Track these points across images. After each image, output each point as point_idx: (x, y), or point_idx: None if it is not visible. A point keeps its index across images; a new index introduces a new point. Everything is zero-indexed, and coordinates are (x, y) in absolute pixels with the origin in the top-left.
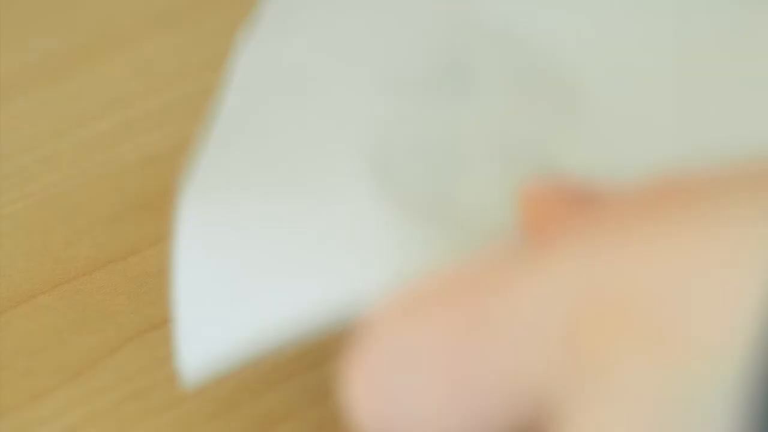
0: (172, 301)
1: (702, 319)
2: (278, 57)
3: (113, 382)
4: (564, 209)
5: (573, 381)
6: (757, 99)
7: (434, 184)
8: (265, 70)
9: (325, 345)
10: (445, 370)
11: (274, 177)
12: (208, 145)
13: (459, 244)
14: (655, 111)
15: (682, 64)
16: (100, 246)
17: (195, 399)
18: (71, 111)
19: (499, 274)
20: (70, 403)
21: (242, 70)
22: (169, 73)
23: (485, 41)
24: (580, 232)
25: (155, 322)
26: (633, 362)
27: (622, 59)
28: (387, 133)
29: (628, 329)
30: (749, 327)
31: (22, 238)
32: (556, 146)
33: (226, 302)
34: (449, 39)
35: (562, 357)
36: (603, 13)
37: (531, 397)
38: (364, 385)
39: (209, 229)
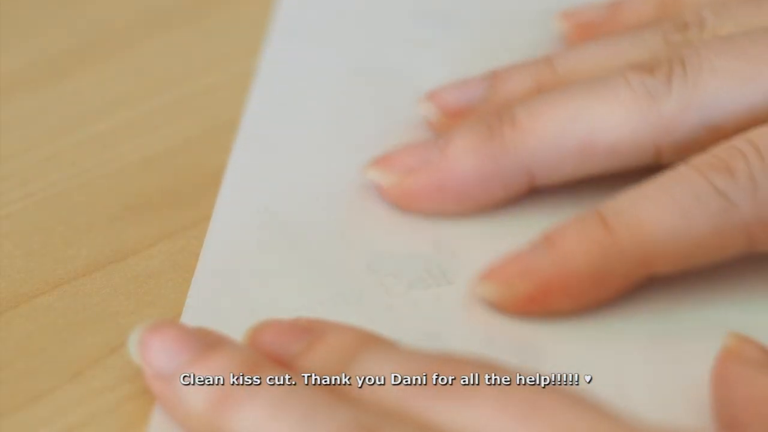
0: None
1: None
2: None
3: (113, 382)
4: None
5: None
6: None
7: None
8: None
9: None
10: None
11: None
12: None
13: None
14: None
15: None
16: (100, 246)
17: None
18: (71, 111)
19: None
20: (70, 403)
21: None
22: (169, 73)
23: (470, 215)
24: None
25: None
26: None
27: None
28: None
29: None
30: None
31: (22, 238)
32: (534, 328)
33: None
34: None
35: None
36: None
37: None
38: None
39: None
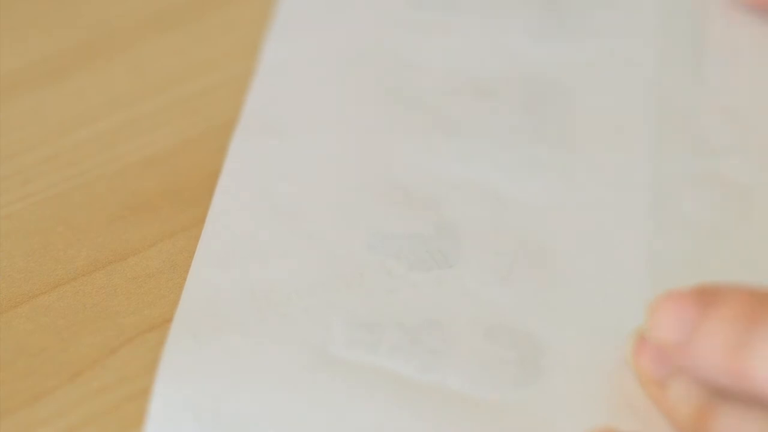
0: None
1: None
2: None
3: (113, 382)
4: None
5: None
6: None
7: (420, 359)
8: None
9: None
10: None
11: None
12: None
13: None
14: (628, 282)
15: (656, 234)
16: (100, 246)
17: None
18: (71, 111)
19: None
20: (70, 403)
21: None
22: (169, 73)
23: (471, 198)
24: None
25: (155, 322)
26: None
27: (596, 222)
28: (374, 307)
29: None
30: None
31: (22, 238)
32: (535, 320)
33: None
34: (438, 195)
35: None
36: (581, 184)
37: None
38: None
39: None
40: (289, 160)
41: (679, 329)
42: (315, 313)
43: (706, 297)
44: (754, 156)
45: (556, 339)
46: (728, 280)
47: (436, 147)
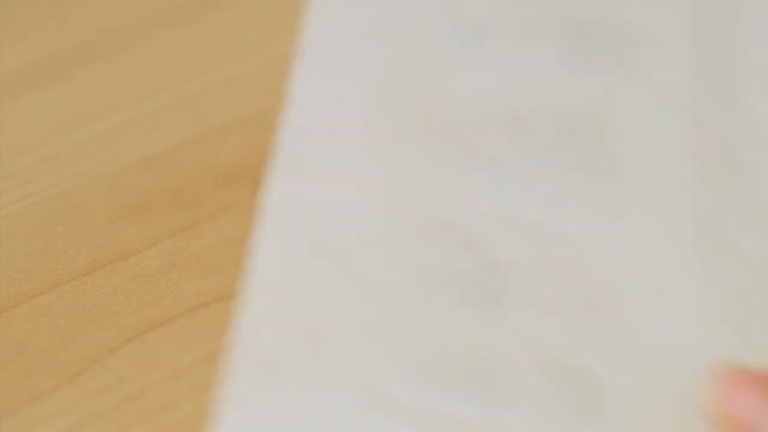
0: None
1: None
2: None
3: (113, 382)
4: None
5: None
6: None
7: (479, 401)
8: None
9: None
10: None
11: None
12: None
13: None
14: (679, 314)
15: (704, 265)
16: (100, 246)
17: (194, 399)
18: (71, 111)
19: None
20: (70, 403)
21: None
22: (169, 73)
23: (516, 233)
24: None
25: (155, 322)
26: None
27: (642, 253)
28: (428, 345)
29: None
30: None
31: (22, 238)
32: (592, 357)
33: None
34: (483, 230)
35: None
36: (625, 216)
37: None
38: None
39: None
40: (328, 200)
41: (751, 412)
42: (366, 354)
43: None
44: None
45: (613, 375)
46: None
47: (477, 181)
